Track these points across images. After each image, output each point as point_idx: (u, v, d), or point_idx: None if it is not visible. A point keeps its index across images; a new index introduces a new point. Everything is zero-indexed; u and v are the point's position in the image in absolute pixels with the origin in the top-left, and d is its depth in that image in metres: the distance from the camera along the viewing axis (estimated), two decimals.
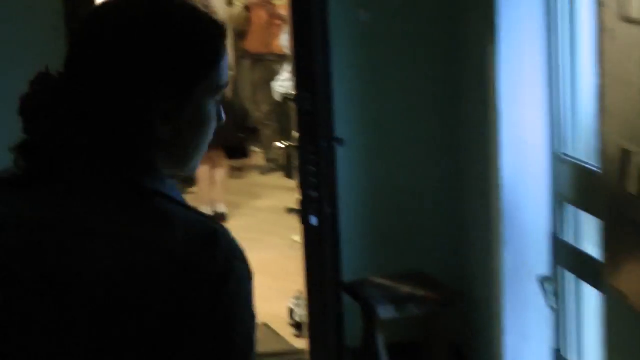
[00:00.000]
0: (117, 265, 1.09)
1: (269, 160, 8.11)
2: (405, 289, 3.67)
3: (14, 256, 1.13)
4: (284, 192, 6.64)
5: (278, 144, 6.18)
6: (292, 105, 3.99)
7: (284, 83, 6.52)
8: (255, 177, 8.11)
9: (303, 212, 3.43)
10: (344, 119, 3.68)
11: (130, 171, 1.16)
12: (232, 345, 1.12)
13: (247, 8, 7.82)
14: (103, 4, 1.20)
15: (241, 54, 7.89)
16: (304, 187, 3.43)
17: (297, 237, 3.80)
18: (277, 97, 6.97)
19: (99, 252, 1.10)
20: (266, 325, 4.35)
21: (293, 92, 3.61)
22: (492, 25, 3.23)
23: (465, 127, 3.79)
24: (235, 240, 1.15)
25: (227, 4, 7.71)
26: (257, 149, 8.09)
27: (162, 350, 1.09)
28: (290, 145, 4.02)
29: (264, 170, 8.14)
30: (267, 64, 7.74)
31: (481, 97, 3.42)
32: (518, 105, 3.27)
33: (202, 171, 6.31)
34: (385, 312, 3.55)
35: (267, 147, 7.93)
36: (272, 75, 7.53)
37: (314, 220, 3.41)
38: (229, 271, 1.11)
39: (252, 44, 7.76)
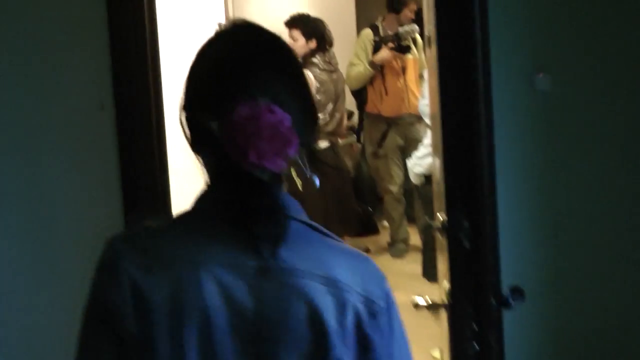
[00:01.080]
0: (319, 301, 1.28)
1: (397, 240, 7.01)
2: None
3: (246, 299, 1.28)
4: (416, 282, 5.28)
5: (428, 221, 4.63)
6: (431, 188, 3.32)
7: (422, 161, 5.03)
8: (385, 261, 6.56)
9: None
10: (519, 258, 2.45)
11: (301, 214, 1.35)
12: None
13: (374, 65, 6.64)
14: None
15: (372, 119, 6.93)
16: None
17: (437, 353, 3.24)
18: (414, 179, 5.21)
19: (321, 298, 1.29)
20: None
21: (432, 172, 2.87)
22: None
23: None
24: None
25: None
26: (386, 224, 7.23)
27: None
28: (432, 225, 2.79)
29: (394, 252, 6.99)
30: (403, 126, 6.68)
31: None
32: None
33: None
34: None
35: (397, 225, 7.01)
36: (411, 142, 6.36)
37: None
38: (392, 301, 1.36)
39: (385, 106, 6.70)
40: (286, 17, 5.61)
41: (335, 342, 1.27)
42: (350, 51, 7.71)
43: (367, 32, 6.77)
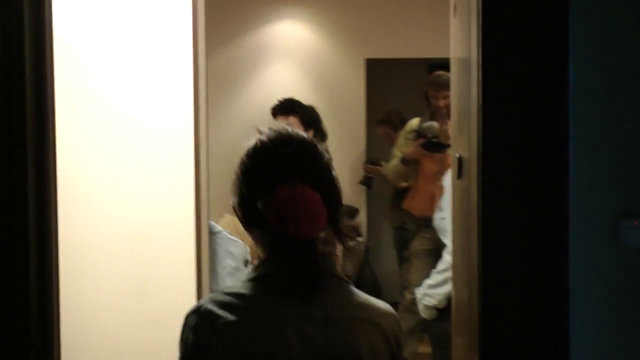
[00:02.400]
0: (369, 347, 1.72)
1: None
2: None
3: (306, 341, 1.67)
4: None
5: None
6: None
7: (434, 290, 4.07)
8: None
9: None
10: None
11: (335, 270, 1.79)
12: None
13: (406, 160, 5.87)
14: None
15: (399, 218, 6.31)
16: None
17: None
18: (424, 313, 4.31)
19: (359, 337, 1.71)
20: None
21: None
22: None
23: None
24: None
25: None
26: None
27: None
28: None
29: None
30: (433, 230, 5.30)
31: None
32: None
33: None
34: None
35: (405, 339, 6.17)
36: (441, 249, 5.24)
37: None
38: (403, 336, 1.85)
39: (414, 204, 5.86)
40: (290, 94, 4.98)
41: (391, 345, 1.78)
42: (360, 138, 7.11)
43: (413, 122, 6.00)
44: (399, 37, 7.76)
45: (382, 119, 6.87)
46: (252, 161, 1.77)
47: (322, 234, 1.72)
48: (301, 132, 1.80)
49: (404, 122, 6.66)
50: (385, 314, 1.80)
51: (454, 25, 2.62)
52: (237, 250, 4.10)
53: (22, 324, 2.12)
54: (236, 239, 4.15)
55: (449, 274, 3.81)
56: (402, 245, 6.57)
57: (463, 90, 2.31)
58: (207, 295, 1.88)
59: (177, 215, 3.72)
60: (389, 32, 7.77)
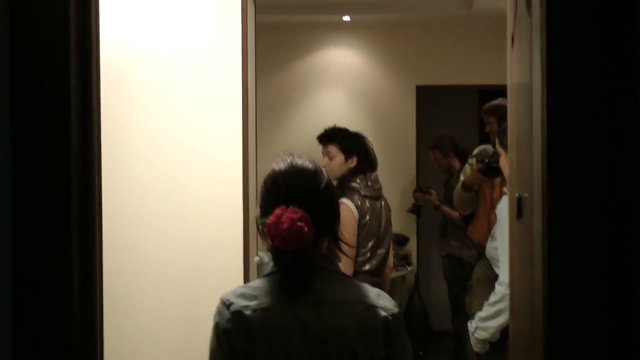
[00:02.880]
0: (357, 322, 2.16)
1: None
2: None
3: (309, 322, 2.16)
4: None
5: None
6: None
7: (486, 323, 3.80)
8: None
9: None
10: None
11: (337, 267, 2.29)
12: (409, 353, 2.25)
13: (466, 186, 5.64)
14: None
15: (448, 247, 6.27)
16: None
17: None
18: (476, 346, 3.95)
19: (348, 313, 2.17)
20: None
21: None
22: None
23: None
24: None
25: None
26: None
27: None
28: None
29: None
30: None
31: None
32: None
33: None
34: None
35: None
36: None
37: None
38: (399, 312, 2.24)
39: (475, 231, 5.61)
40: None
41: (376, 338, 2.17)
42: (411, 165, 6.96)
43: (479, 148, 5.83)
44: (449, 64, 7.66)
45: (433, 144, 6.76)
46: (265, 186, 2.26)
47: (325, 242, 2.25)
48: (310, 163, 2.25)
49: (455, 148, 6.54)
50: (377, 293, 2.25)
51: (512, 56, 2.51)
52: None
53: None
54: None
55: (501, 305, 3.66)
56: (450, 273, 6.44)
57: (522, 124, 2.20)
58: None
59: (225, 248, 3.65)
60: (440, 59, 7.67)
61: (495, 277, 4.75)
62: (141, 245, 3.68)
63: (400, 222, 7.32)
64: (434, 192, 6.48)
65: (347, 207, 4.10)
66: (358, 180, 4.31)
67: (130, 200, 3.67)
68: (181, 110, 3.69)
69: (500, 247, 3.74)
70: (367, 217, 4.26)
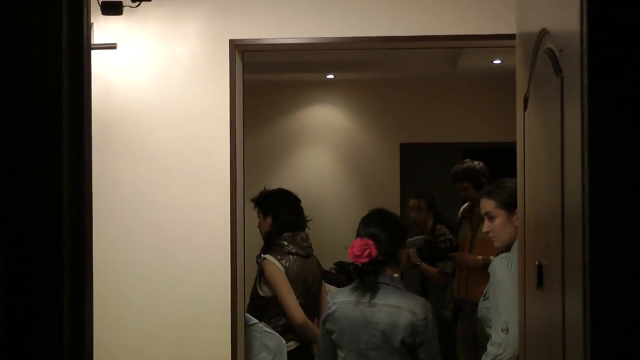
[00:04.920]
0: (399, 319, 3.35)
1: None
2: None
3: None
4: None
5: None
6: None
7: None
8: None
9: None
10: None
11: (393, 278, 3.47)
12: (438, 350, 3.38)
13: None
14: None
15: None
16: None
17: None
18: None
19: (390, 314, 3.36)
20: None
21: None
22: None
23: None
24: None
25: None
26: None
27: (411, 353, 3.37)
28: None
29: None
30: (470, 313, 5.38)
31: None
32: None
33: None
34: None
35: None
36: (479, 338, 5.18)
37: None
38: (433, 315, 3.40)
39: (455, 284, 5.76)
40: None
41: (417, 330, 3.32)
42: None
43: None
44: (433, 121, 7.68)
45: (420, 192, 6.67)
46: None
47: (390, 266, 3.46)
48: (388, 214, 3.59)
49: (434, 206, 6.53)
50: (417, 303, 3.38)
51: (527, 118, 2.42)
52: (274, 343, 3.92)
53: None
54: (273, 332, 3.96)
55: None
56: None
57: (543, 187, 2.11)
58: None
59: (212, 307, 3.58)
60: (424, 117, 7.69)
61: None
62: (127, 310, 3.60)
63: None
64: (413, 250, 6.33)
65: (269, 261, 4.15)
66: (286, 237, 4.31)
67: (119, 259, 3.60)
68: (170, 167, 3.65)
69: (492, 307, 3.68)
70: (295, 272, 4.26)
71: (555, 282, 1.92)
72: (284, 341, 3.97)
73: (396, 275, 3.51)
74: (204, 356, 3.59)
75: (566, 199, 1.81)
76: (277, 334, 3.95)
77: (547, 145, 2.09)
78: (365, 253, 3.38)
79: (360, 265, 3.42)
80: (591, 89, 1.67)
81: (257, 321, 3.91)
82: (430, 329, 3.35)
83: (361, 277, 3.44)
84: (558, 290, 1.87)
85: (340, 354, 3.47)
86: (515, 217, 3.76)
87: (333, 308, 3.48)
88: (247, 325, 3.82)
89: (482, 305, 4.01)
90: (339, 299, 3.49)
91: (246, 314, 3.82)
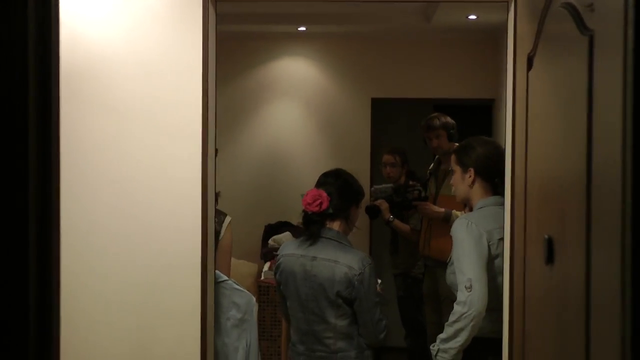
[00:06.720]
0: (335, 273, 3.59)
1: None
2: None
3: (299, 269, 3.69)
4: None
5: None
6: None
7: (449, 344, 3.65)
8: None
9: None
10: None
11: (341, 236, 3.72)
12: (374, 303, 3.60)
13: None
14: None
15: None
16: None
17: None
18: None
19: (328, 268, 3.61)
20: None
21: None
22: None
23: None
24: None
25: None
26: None
27: (348, 305, 3.60)
28: None
29: None
30: (434, 269, 5.75)
31: None
32: None
33: None
34: None
35: None
36: (443, 292, 5.44)
37: None
38: (370, 270, 3.60)
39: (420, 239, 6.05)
40: None
41: (352, 284, 3.56)
42: (364, 176, 6.93)
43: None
44: (405, 76, 7.60)
45: (397, 148, 6.60)
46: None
47: (339, 223, 3.73)
48: (347, 173, 3.84)
49: (404, 161, 6.51)
50: (354, 258, 3.60)
51: (533, 78, 2.25)
52: (243, 300, 3.88)
53: None
54: (242, 289, 3.92)
55: (460, 325, 3.56)
56: (404, 291, 6.38)
57: (556, 153, 1.98)
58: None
59: (182, 263, 3.51)
60: (396, 72, 7.61)
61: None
62: (96, 263, 3.52)
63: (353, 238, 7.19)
64: (385, 205, 6.27)
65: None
66: None
67: (85, 217, 3.51)
68: (139, 121, 3.55)
69: (457, 267, 3.66)
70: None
71: (574, 252, 1.80)
72: (254, 298, 3.93)
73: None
74: (172, 314, 3.53)
75: (595, 163, 1.67)
76: (247, 291, 3.92)
77: (564, 109, 1.95)
78: (317, 202, 3.57)
79: (310, 213, 3.62)
80: (638, 48, 1.47)
81: (226, 278, 3.86)
82: (365, 284, 3.53)
83: (307, 225, 3.66)
84: (578, 260, 1.74)
85: (287, 303, 3.73)
86: (469, 176, 3.83)
87: (280, 260, 3.72)
88: (216, 283, 3.77)
89: (449, 271, 3.99)
90: (285, 252, 3.72)
91: (216, 271, 3.77)
